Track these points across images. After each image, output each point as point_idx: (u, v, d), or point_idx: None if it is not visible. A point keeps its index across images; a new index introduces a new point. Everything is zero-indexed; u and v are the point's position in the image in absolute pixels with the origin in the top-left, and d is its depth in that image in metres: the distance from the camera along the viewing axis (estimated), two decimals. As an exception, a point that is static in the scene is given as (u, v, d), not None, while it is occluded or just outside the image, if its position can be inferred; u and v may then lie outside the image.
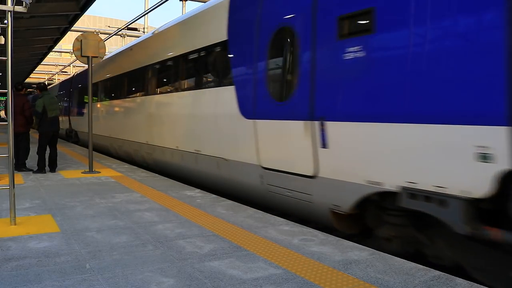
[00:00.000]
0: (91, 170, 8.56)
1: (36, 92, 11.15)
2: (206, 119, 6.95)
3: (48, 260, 3.45)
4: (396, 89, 3.86)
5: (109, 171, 8.77)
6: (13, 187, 4.50)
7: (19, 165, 8.66)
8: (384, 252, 3.84)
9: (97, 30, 23.70)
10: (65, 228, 4.43)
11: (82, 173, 8.48)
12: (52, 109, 8.48)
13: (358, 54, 4.20)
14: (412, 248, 4.18)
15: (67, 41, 29.63)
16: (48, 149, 8.62)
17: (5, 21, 4.37)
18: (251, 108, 5.75)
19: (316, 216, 5.00)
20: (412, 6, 3.73)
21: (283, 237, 4.14)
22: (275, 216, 5.00)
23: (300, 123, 4.89)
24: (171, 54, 8.35)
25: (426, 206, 3.64)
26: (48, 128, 8.54)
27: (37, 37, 15.40)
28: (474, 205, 3.36)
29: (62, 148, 14.28)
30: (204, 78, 7.28)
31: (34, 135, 10.28)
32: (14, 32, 4.62)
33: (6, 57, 4.36)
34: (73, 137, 18.76)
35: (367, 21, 4.13)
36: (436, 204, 3.56)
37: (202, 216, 4.98)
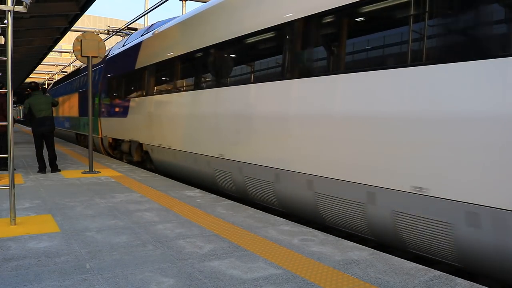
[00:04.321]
0: (91, 170, 8.56)
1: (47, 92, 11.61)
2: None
3: (48, 260, 3.45)
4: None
5: (109, 171, 8.77)
6: (13, 187, 4.50)
7: (1, 164, 8.63)
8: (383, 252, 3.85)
9: (97, 30, 23.67)
10: (65, 228, 4.43)
11: (82, 173, 8.48)
12: (39, 109, 8.32)
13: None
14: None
15: (67, 41, 29.64)
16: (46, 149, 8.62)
17: (5, 21, 4.37)
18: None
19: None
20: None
21: (283, 237, 4.14)
22: (275, 216, 5.00)
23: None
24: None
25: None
26: (35, 128, 8.46)
27: (37, 37, 15.38)
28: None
29: (62, 148, 14.28)
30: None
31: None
32: (14, 32, 4.62)
33: (6, 57, 4.36)
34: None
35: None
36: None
37: (202, 216, 4.98)
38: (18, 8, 4.50)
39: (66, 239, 4.05)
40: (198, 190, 6.70)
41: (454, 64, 3.47)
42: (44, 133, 8.50)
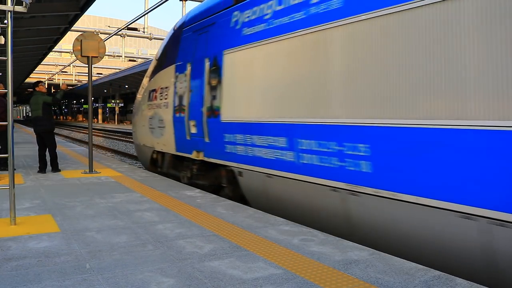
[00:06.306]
0: (91, 170, 8.56)
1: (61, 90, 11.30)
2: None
3: (48, 260, 3.45)
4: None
5: (109, 171, 8.77)
6: (13, 187, 4.50)
7: (1, 164, 8.65)
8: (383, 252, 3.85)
9: (97, 30, 23.71)
10: (65, 228, 4.43)
11: (82, 173, 8.48)
12: (32, 109, 8.44)
13: None
14: None
15: (67, 41, 29.69)
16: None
17: (5, 21, 4.37)
18: None
19: None
20: None
21: (283, 237, 4.14)
22: (275, 216, 5.00)
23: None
24: None
25: None
26: (33, 128, 8.61)
27: (37, 37, 15.42)
28: None
29: (62, 148, 14.28)
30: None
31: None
32: (14, 32, 4.62)
33: (6, 57, 4.36)
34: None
35: None
36: None
37: (202, 216, 4.98)
38: (18, 8, 4.50)
39: (66, 239, 4.05)
40: (198, 190, 6.70)
41: None
42: (41, 133, 8.53)
